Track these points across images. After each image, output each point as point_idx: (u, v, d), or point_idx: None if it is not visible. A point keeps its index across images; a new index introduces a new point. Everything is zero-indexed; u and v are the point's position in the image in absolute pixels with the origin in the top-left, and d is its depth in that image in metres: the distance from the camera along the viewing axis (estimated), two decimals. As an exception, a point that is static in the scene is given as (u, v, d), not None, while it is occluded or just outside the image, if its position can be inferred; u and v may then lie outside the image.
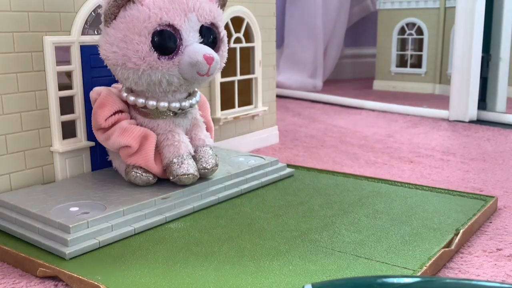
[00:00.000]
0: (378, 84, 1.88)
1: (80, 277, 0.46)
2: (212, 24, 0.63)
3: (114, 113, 0.64)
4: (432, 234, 0.56)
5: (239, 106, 0.98)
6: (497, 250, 0.55)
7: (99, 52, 0.62)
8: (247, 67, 0.99)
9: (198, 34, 0.61)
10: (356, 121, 1.31)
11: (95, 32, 0.69)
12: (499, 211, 0.67)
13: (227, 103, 0.95)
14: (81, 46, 0.68)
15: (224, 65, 0.68)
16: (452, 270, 0.50)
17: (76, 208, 0.57)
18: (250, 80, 0.99)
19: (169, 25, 0.59)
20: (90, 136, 0.69)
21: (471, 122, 1.27)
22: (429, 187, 0.72)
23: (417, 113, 1.38)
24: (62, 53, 0.67)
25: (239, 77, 0.96)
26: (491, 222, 0.63)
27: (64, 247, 0.51)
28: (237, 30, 0.93)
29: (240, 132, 0.98)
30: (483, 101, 1.30)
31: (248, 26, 0.96)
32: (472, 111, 1.27)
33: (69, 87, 0.68)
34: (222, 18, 0.66)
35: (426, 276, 0.45)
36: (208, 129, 0.70)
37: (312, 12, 1.88)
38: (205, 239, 0.55)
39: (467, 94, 1.26)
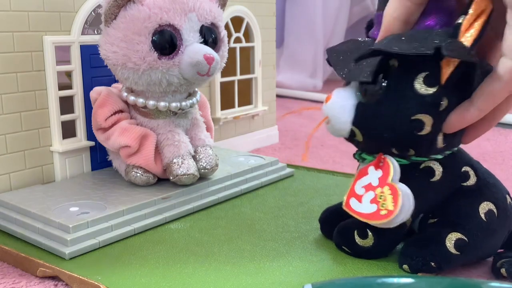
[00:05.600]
0: (378, 84, 1.88)
1: (80, 277, 0.46)
2: (213, 24, 0.63)
3: (114, 113, 0.64)
4: (432, 235, 0.55)
5: (239, 106, 0.98)
6: (497, 251, 0.55)
7: (99, 52, 0.62)
8: (247, 67, 0.99)
9: (198, 34, 0.61)
10: (356, 121, 1.30)
11: (95, 32, 0.69)
12: (499, 212, 0.66)
13: (227, 103, 0.95)
14: (81, 46, 0.68)
15: (224, 65, 0.68)
16: (452, 270, 0.50)
17: (76, 208, 0.57)
18: (250, 80, 0.99)
19: (169, 25, 0.59)
20: (90, 136, 0.69)
21: (471, 122, 1.26)
22: (429, 187, 0.71)
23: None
24: (62, 53, 0.67)
25: (239, 76, 0.96)
26: (491, 223, 0.63)
27: (64, 247, 0.51)
28: (237, 30, 0.93)
29: (240, 132, 0.98)
30: (483, 101, 1.30)
31: (248, 26, 0.96)
32: (472, 111, 1.27)
33: (69, 87, 0.68)
34: (222, 18, 0.66)
35: (426, 276, 0.45)
36: (208, 129, 0.70)
37: (312, 12, 1.88)
38: (205, 240, 0.55)
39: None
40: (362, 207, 0.47)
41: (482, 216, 0.47)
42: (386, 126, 0.44)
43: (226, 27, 0.89)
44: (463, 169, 0.48)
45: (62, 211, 0.56)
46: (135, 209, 0.58)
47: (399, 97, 0.44)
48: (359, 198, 0.48)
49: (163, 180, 0.65)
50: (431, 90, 0.43)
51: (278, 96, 1.60)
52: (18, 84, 0.63)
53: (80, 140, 0.69)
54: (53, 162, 0.67)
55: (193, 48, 0.60)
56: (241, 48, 0.95)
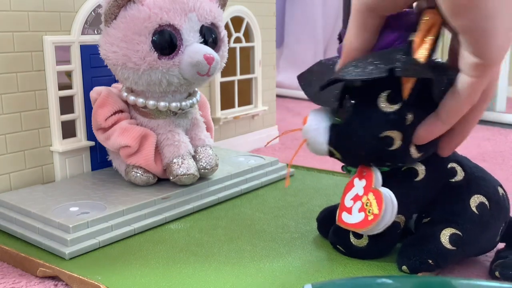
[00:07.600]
0: (378, 84, 1.88)
1: (80, 277, 0.46)
2: (213, 24, 0.63)
3: (114, 113, 0.64)
4: (432, 235, 0.55)
5: (239, 105, 0.98)
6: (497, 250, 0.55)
7: (99, 52, 0.62)
8: (247, 67, 0.99)
9: (198, 34, 0.61)
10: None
11: (95, 31, 0.69)
12: (499, 212, 0.66)
13: (227, 103, 0.95)
14: (81, 45, 0.68)
15: (224, 65, 0.68)
16: (452, 270, 0.50)
17: (76, 208, 0.57)
18: (250, 80, 0.99)
19: (169, 25, 0.59)
20: (90, 136, 0.69)
21: (471, 122, 1.26)
22: (429, 187, 0.71)
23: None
24: (62, 52, 0.67)
25: (239, 76, 0.96)
26: (491, 223, 0.63)
27: (64, 247, 0.51)
28: (237, 30, 0.93)
29: (240, 132, 0.98)
30: (483, 101, 1.29)
31: (248, 26, 0.96)
32: (472, 111, 1.26)
33: (69, 87, 0.68)
34: (223, 18, 0.66)
35: (426, 276, 0.45)
36: (208, 129, 0.70)
37: (312, 12, 1.88)
38: (205, 240, 0.55)
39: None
40: (352, 218, 0.48)
41: (474, 209, 0.47)
42: (359, 145, 0.45)
43: (226, 27, 0.89)
44: (449, 166, 0.49)
45: (62, 211, 0.56)
46: (135, 209, 0.58)
47: (365, 116, 0.44)
48: (349, 210, 0.49)
49: (163, 180, 0.65)
50: (395, 107, 0.43)
51: (278, 96, 1.60)
52: (18, 84, 0.63)
53: (80, 140, 0.69)
54: (53, 162, 0.67)
55: (193, 48, 0.60)
56: (241, 48, 0.95)
